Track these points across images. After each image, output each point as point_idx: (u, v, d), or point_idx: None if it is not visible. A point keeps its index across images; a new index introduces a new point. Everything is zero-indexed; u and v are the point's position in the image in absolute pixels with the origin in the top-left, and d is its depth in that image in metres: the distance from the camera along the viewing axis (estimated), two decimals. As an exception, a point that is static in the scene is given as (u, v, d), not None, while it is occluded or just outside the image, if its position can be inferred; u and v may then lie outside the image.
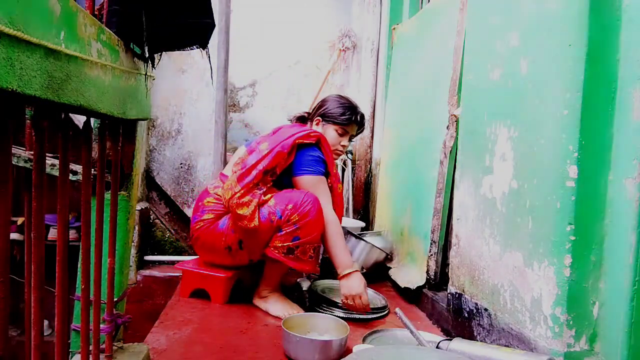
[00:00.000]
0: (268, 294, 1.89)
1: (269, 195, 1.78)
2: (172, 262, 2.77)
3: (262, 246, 1.80)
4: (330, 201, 1.87)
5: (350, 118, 1.99)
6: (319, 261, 1.91)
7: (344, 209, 3.09)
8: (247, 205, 1.74)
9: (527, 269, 1.25)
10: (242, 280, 2.10)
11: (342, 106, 2.00)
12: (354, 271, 1.77)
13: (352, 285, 1.75)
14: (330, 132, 1.99)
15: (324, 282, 2.12)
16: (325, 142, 1.92)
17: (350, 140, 2.06)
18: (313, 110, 2.09)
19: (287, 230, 1.74)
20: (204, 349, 1.50)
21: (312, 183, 1.83)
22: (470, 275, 1.56)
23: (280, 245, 1.75)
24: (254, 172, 1.77)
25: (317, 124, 2.01)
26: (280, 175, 1.84)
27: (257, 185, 1.77)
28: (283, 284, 2.18)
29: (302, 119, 2.09)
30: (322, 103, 2.05)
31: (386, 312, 1.92)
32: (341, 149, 2.02)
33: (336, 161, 2.73)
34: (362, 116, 2.04)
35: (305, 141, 1.84)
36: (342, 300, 1.80)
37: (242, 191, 1.75)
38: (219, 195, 1.89)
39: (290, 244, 1.74)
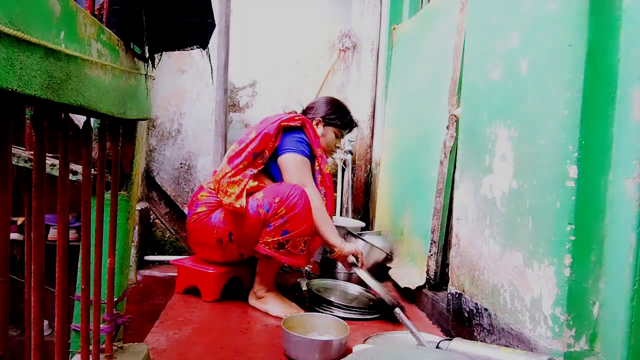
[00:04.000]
0: (264, 293, 1.89)
1: (255, 183, 1.83)
2: (172, 262, 2.77)
3: (252, 240, 1.82)
4: (313, 182, 1.92)
5: (350, 124, 2.15)
6: (313, 255, 1.97)
7: (345, 210, 3.10)
8: (237, 184, 1.81)
9: (527, 269, 1.25)
10: (241, 281, 2.10)
11: (343, 112, 2.13)
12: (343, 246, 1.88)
13: (347, 253, 1.88)
14: (330, 134, 2.10)
15: (323, 282, 2.12)
16: (310, 125, 2.00)
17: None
18: (309, 109, 2.15)
19: (275, 224, 1.76)
20: (203, 349, 1.50)
21: (294, 162, 1.88)
22: (470, 275, 1.56)
23: (270, 240, 1.77)
24: (243, 155, 1.84)
25: (317, 125, 2.08)
26: (270, 164, 1.91)
27: (248, 167, 1.84)
28: (282, 284, 2.18)
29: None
30: (319, 106, 2.13)
31: (385, 312, 1.91)
32: (335, 149, 2.18)
33: (334, 160, 2.78)
34: (356, 121, 2.21)
35: (290, 124, 1.91)
36: (349, 267, 1.91)
37: (232, 171, 1.83)
38: (212, 188, 1.95)
39: (280, 238, 1.76)
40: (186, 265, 2.01)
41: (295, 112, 2.07)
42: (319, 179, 2.01)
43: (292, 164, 1.87)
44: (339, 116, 2.11)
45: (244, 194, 1.79)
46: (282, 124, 1.90)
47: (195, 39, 1.12)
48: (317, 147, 2.00)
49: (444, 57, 2.09)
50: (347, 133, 2.21)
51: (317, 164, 2.01)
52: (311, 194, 1.83)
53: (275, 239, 1.76)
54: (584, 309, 1.12)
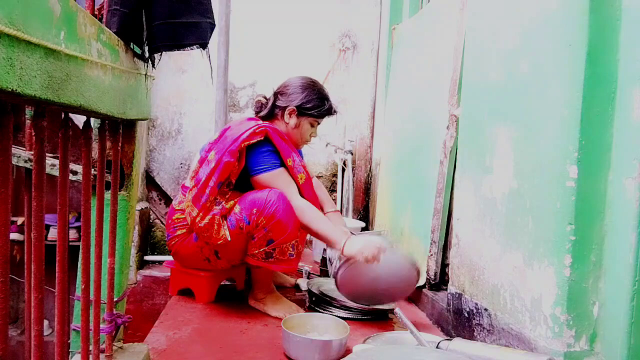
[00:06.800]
0: (264, 295, 1.88)
1: (232, 202, 1.71)
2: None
3: (239, 252, 1.77)
4: (296, 190, 1.76)
5: (328, 112, 1.89)
6: (301, 255, 1.82)
7: (345, 210, 3.10)
8: (210, 227, 1.68)
9: (527, 269, 1.25)
10: (235, 283, 2.10)
11: (318, 97, 1.86)
12: (348, 239, 1.66)
13: (355, 248, 1.62)
14: (305, 126, 1.87)
15: (323, 282, 2.12)
16: (274, 132, 1.77)
17: None
18: (279, 95, 1.89)
19: (259, 236, 1.68)
20: (203, 349, 1.50)
21: (270, 179, 1.73)
22: (470, 275, 1.56)
23: (257, 251, 1.71)
24: (207, 191, 1.68)
25: (290, 116, 1.85)
26: (241, 177, 1.75)
27: (216, 200, 1.70)
28: (282, 284, 2.18)
29: (268, 114, 1.90)
30: (294, 91, 1.87)
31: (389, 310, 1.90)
32: (310, 139, 1.93)
33: (334, 160, 2.71)
34: (335, 108, 1.94)
35: (252, 141, 1.71)
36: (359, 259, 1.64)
37: (200, 214, 1.68)
38: (184, 209, 1.81)
39: (266, 248, 1.69)
40: (179, 269, 1.98)
41: (257, 122, 1.81)
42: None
43: (269, 182, 1.72)
44: (315, 105, 1.85)
45: (222, 230, 1.68)
46: (244, 145, 1.70)
47: (195, 39, 1.12)
48: (286, 157, 1.78)
49: (444, 57, 2.08)
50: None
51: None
52: (293, 199, 1.71)
53: (261, 249, 1.70)
54: (584, 309, 1.12)
